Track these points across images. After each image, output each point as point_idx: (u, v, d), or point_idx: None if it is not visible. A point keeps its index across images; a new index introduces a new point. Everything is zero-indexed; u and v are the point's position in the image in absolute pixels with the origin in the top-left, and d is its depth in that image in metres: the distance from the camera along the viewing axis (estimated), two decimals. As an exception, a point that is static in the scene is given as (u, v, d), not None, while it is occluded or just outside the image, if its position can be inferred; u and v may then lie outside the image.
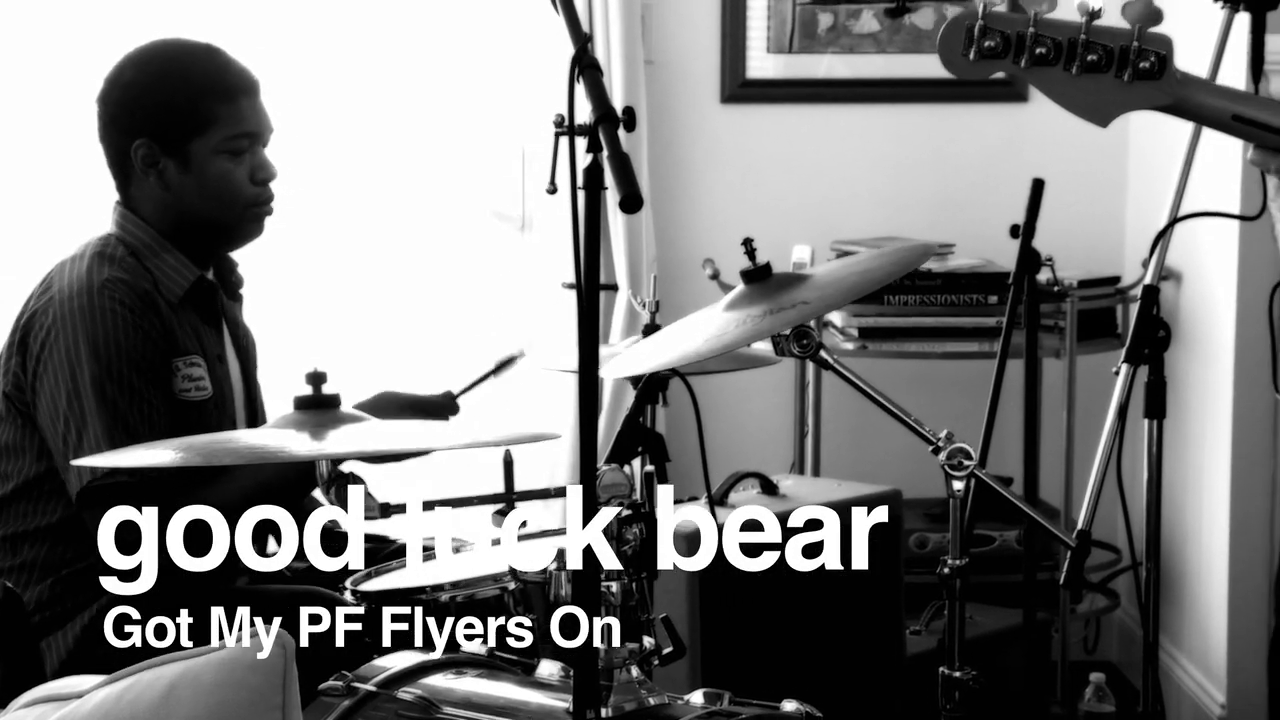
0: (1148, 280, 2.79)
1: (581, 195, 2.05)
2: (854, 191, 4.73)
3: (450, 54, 4.56)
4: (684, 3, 4.65)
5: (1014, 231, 3.37)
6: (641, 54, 4.50)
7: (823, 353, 2.81)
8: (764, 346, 2.90)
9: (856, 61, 4.69)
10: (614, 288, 4.47)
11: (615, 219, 4.45)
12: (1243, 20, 2.74)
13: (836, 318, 4.45)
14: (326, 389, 2.38)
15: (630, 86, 4.46)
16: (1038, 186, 3.36)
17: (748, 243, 2.77)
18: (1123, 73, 1.87)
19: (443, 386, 3.05)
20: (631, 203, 1.96)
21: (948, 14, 1.86)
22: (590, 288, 2.06)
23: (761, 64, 4.68)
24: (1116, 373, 2.82)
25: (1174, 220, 2.75)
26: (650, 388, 2.79)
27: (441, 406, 2.98)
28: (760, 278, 2.75)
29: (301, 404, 2.38)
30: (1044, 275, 3.73)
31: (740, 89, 4.69)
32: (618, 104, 4.39)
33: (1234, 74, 2.82)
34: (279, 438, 2.30)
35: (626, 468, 2.56)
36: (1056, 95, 1.90)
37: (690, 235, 4.69)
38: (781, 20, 4.67)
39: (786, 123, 4.73)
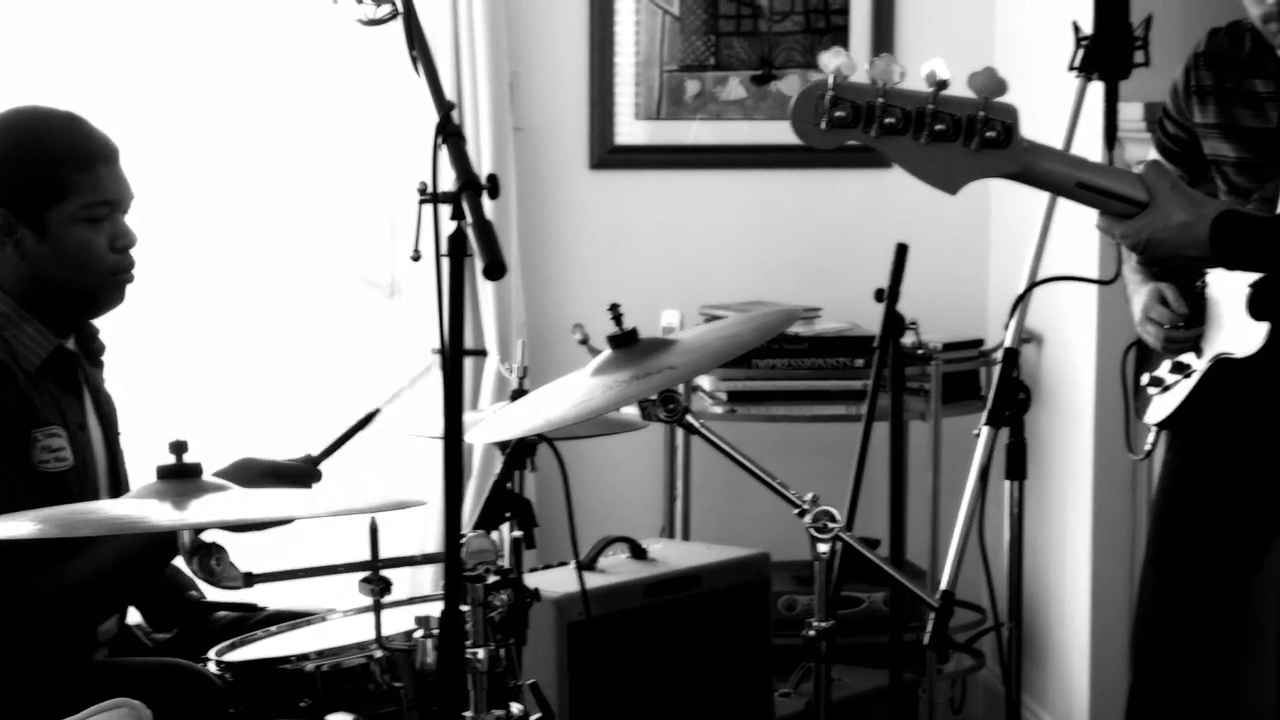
0: (1007, 343, 2.84)
1: (445, 262, 2.06)
2: (722, 256, 4.78)
3: (321, 120, 4.56)
4: (552, 70, 4.69)
5: (879, 295, 3.41)
6: (510, 121, 4.52)
7: (689, 417, 2.84)
8: (632, 411, 2.93)
9: (723, 128, 4.74)
10: (483, 353, 4.48)
11: (485, 284, 4.46)
12: (1096, 88, 2.82)
13: (705, 381, 4.48)
14: (188, 458, 2.37)
15: (499, 153, 4.48)
16: (901, 251, 3.41)
17: (614, 308, 2.80)
18: (970, 141, 1.92)
19: (306, 452, 3.04)
20: (494, 270, 1.98)
21: (820, 59, 1.90)
22: (454, 354, 2.07)
23: (630, 130, 4.73)
24: (978, 435, 2.86)
25: (1032, 285, 2.81)
26: (518, 453, 2.80)
27: (303, 473, 2.97)
28: (627, 343, 2.78)
29: (164, 473, 2.37)
30: (909, 339, 3.79)
31: (609, 155, 4.73)
32: (486, 170, 4.44)
33: (1089, 141, 2.89)
34: (140, 508, 2.28)
35: (494, 533, 2.57)
36: (906, 163, 1.94)
37: (560, 300, 4.71)
38: (649, 87, 4.72)
39: (655, 188, 4.78)
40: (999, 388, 2.79)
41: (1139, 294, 3.31)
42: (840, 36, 4.72)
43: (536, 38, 4.66)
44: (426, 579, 4.27)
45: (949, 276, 4.77)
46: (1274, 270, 1.94)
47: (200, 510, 2.28)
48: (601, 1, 4.67)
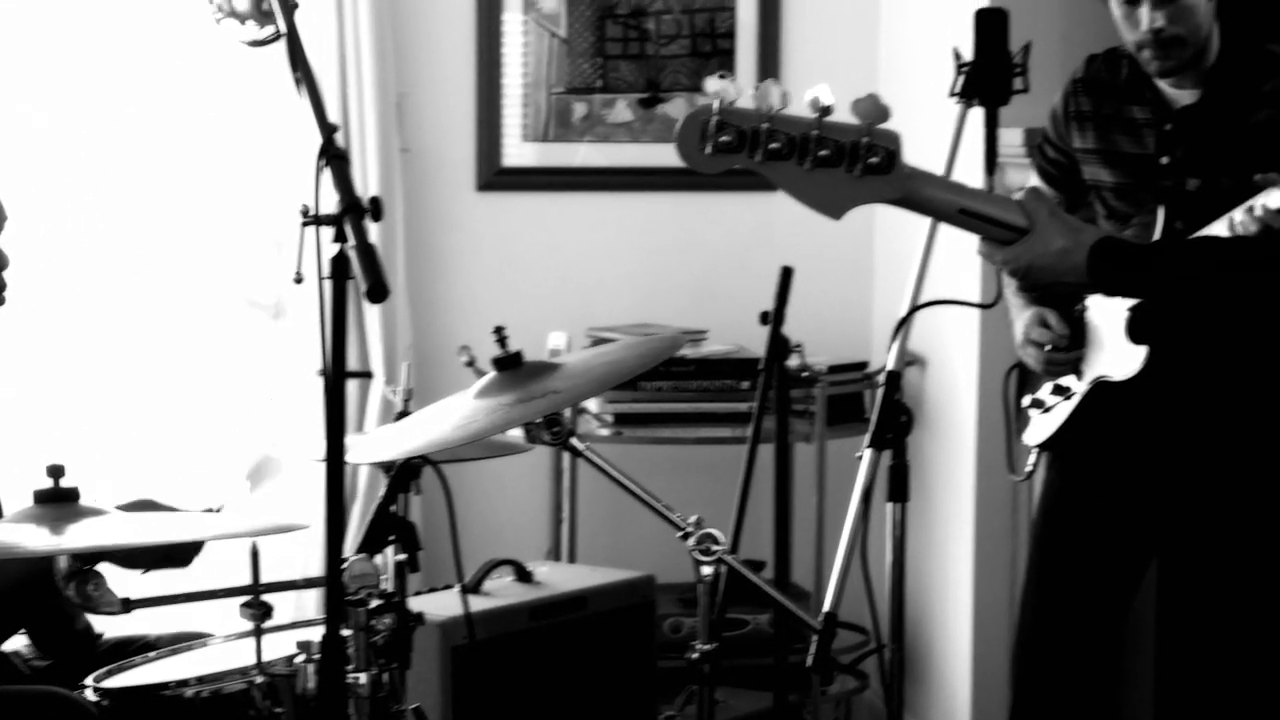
0: (889, 366, 2.85)
1: (327, 285, 2.05)
2: (610, 278, 4.78)
3: (208, 141, 4.52)
4: (439, 91, 4.68)
5: (764, 318, 3.43)
6: (397, 142, 4.51)
7: (574, 440, 2.84)
8: (518, 433, 2.92)
9: (611, 150, 4.75)
10: (369, 375, 4.46)
11: (371, 306, 4.43)
12: (977, 114, 2.84)
13: (592, 404, 4.48)
14: (65, 482, 2.34)
15: (386, 174, 4.46)
16: (786, 274, 3.43)
17: (499, 331, 2.79)
18: (853, 167, 1.93)
19: (198, 481, 3.01)
20: (377, 293, 1.96)
21: (706, 85, 1.90)
22: (336, 377, 2.06)
23: (517, 152, 4.72)
24: (860, 458, 2.87)
25: (913, 309, 2.82)
26: (403, 475, 2.79)
27: (184, 550, 2.92)
28: (511, 365, 2.77)
29: (41, 498, 2.33)
30: (794, 361, 3.80)
31: (496, 177, 4.72)
32: (372, 192, 4.42)
33: (970, 165, 2.92)
34: (16, 532, 2.25)
35: (377, 557, 2.56)
36: (790, 189, 1.95)
37: (447, 322, 4.69)
38: (537, 109, 4.71)
39: (543, 210, 4.77)
40: (881, 410, 2.81)
41: (1021, 317, 3.35)
42: (726, 60, 4.75)
43: (424, 59, 4.65)
44: (310, 603, 4.23)
45: (834, 299, 4.80)
46: (1149, 296, 1.96)
47: (78, 535, 2.25)
48: (489, 23, 4.67)
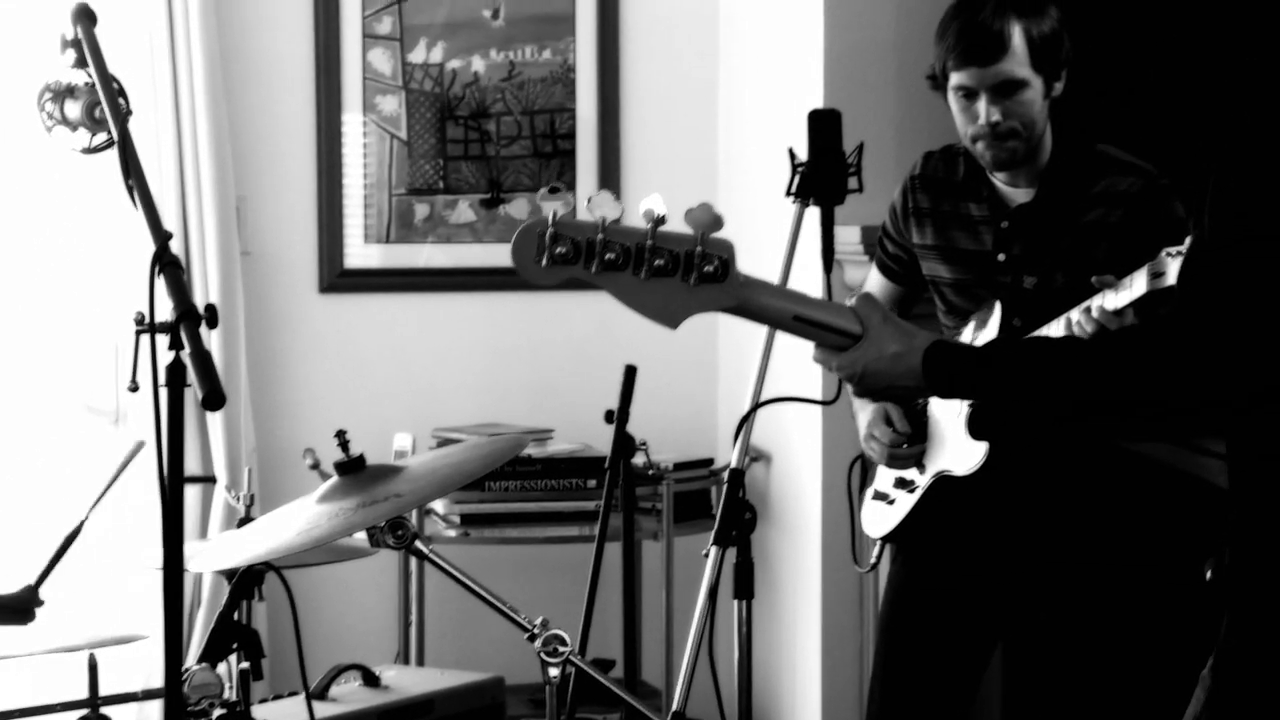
0: (732, 464, 2.87)
1: (163, 392, 2.04)
2: (455, 379, 4.77)
3: (44, 246, 4.47)
4: (280, 194, 4.66)
5: (609, 417, 3.44)
6: (238, 245, 4.49)
7: (418, 543, 2.83)
8: (362, 537, 2.90)
9: (454, 250, 4.76)
10: (211, 480, 4.41)
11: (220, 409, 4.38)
12: (814, 213, 2.88)
13: (439, 505, 4.46)
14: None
15: (226, 278, 4.44)
16: (630, 373, 3.45)
17: (341, 434, 2.78)
18: (688, 277, 1.95)
19: (24, 582, 2.95)
20: (212, 400, 1.96)
21: (541, 204, 1.92)
22: (174, 485, 2.04)
23: (360, 253, 4.72)
24: (706, 555, 2.89)
25: (755, 406, 2.85)
26: (245, 582, 2.76)
27: (23, 602, 2.88)
28: (354, 469, 2.76)
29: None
30: (640, 459, 3.81)
31: (339, 279, 4.71)
32: (214, 295, 4.39)
33: (809, 263, 2.96)
34: None
35: (220, 666, 2.53)
36: (627, 299, 1.97)
37: (292, 425, 4.66)
38: (379, 211, 4.72)
39: (387, 311, 4.77)
40: (725, 508, 2.83)
41: (863, 411, 3.39)
42: (568, 161, 4.79)
43: (263, 162, 4.64)
44: (153, 715, 4.16)
45: (679, 397, 4.83)
46: (984, 397, 2.00)
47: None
48: (329, 125, 4.67)
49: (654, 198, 1.95)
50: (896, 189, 3.41)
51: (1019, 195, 3.23)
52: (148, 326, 2.06)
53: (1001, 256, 3.23)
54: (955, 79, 3.16)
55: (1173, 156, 3.17)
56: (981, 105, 3.14)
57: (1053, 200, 3.19)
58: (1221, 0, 3.54)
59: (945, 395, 2.12)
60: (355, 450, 2.77)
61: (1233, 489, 1.85)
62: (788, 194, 2.88)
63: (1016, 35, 3.11)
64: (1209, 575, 1.91)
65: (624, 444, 3.45)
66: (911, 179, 3.37)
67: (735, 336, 4.78)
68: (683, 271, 1.95)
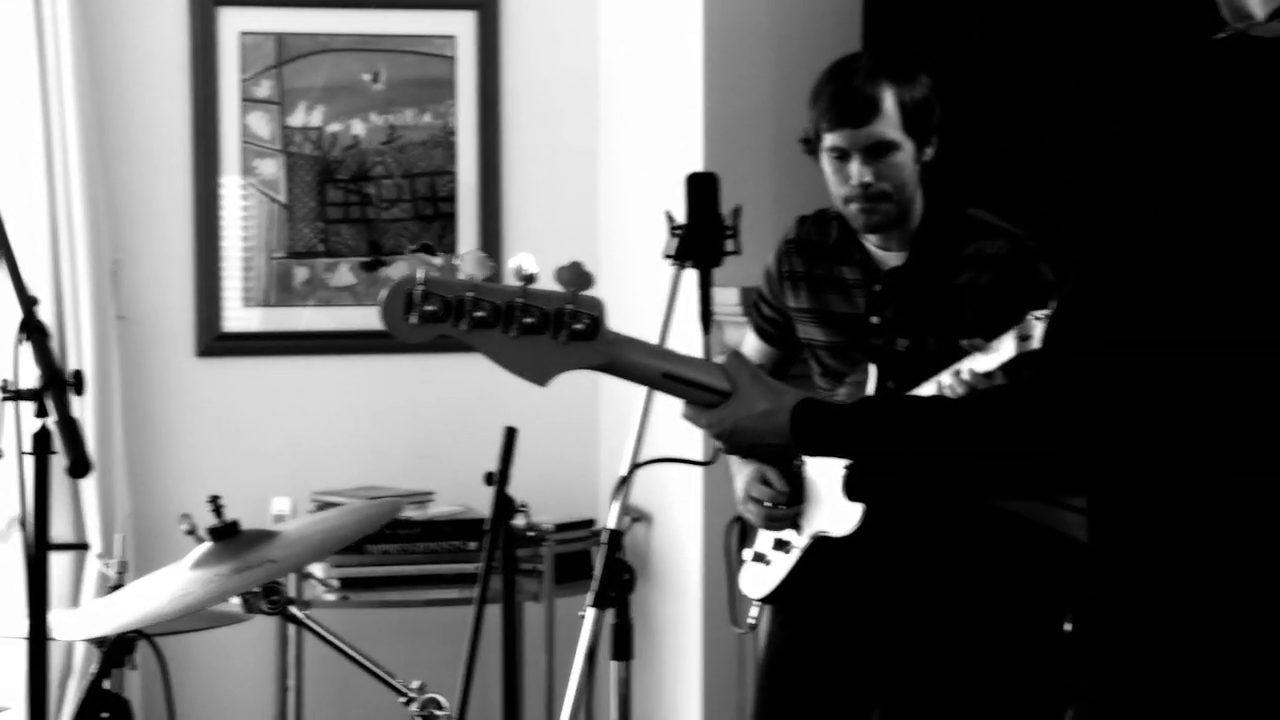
0: (610, 525, 2.86)
1: (29, 461, 2.01)
2: (335, 442, 4.74)
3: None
4: (156, 258, 4.62)
5: (489, 479, 3.43)
6: (112, 309, 4.44)
7: (293, 609, 2.80)
8: (237, 602, 2.87)
9: (335, 314, 4.74)
10: (84, 547, 4.34)
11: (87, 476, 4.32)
12: (692, 275, 2.88)
13: (318, 569, 4.42)
14: None
15: (101, 342, 4.38)
16: (510, 434, 3.44)
17: (215, 500, 2.76)
18: (558, 334, 1.96)
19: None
20: (78, 468, 1.93)
21: (410, 262, 1.91)
22: (39, 552, 2.01)
23: (239, 317, 4.68)
24: (583, 616, 2.88)
25: (634, 466, 2.85)
26: (116, 650, 2.72)
27: None
28: (228, 535, 2.74)
29: None
30: (521, 520, 3.80)
31: (216, 342, 4.67)
32: (88, 360, 4.34)
33: (687, 325, 2.97)
34: None
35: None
36: (497, 356, 1.97)
37: (168, 490, 4.60)
38: (257, 274, 4.69)
39: (266, 374, 4.73)
40: (603, 569, 2.82)
41: (741, 473, 3.40)
42: (448, 224, 4.78)
43: (140, 224, 4.60)
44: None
45: (560, 458, 4.82)
46: (849, 456, 2.01)
47: None
48: (206, 188, 4.64)
49: (524, 256, 1.95)
50: (771, 253, 3.43)
51: (891, 259, 3.27)
52: (12, 393, 2.04)
53: (875, 319, 3.26)
54: (829, 140, 3.20)
55: (1043, 220, 3.22)
56: (854, 166, 3.18)
57: (924, 263, 3.23)
58: (1097, 68, 3.61)
59: (812, 453, 2.13)
60: (232, 515, 2.75)
61: (1092, 542, 1.87)
62: (665, 256, 2.89)
63: (888, 99, 3.16)
64: (1068, 628, 1.93)
65: (504, 506, 3.44)
66: (785, 243, 3.40)
67: (616, 397, 4.79)
68: (553, 329, 1.96)
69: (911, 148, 3.19)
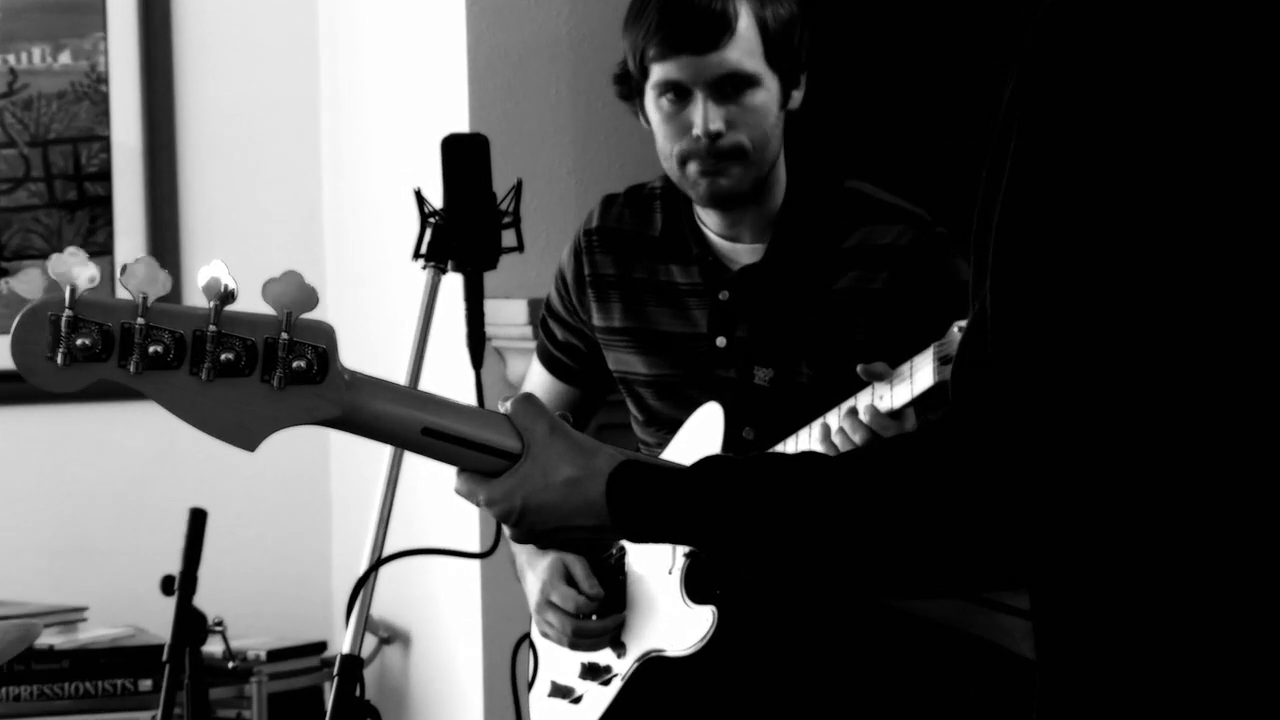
0: (345, 648, 2.88)
1: None
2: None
3: None
4: None
5: (167, 585, 3.43)
6: None
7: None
8: None
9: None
10: None
11: None
12: (456, 281, 2.88)
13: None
14: None
15: None
16: (198, 520, 3.43)
17: None
18: (270, 376, 1.95)
19: None
20: None
21: (54, 275, 1.89)
22: None
23: None
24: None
25: (376, 564, 2.86)
26: None
27: None
28: None
29: None
30: (215, 646, 3.80)
31: None
32: None
33: (452, 354, 2.98)
34: None
35: None
36: (182, 410, 1.96)
37: None
38: None
39: None
40: (335, 709, 2.83)
41: (535, 569, 3.39)
42: (101, 214, 4.76)
43: None
44: None
45: (274, 554, 4.81)
46: (694, 541, 1.99)
47: None
48: None
49: (215, 264, 1.95)
50: (565, 250, 3.45)
51: (743, 253, 3.30)
52: None
53: (722, 341, 3.29)
54: (659, 73, 3.21)
55: (949, 196, 3.27)
56: (697, 110, 3.20)
57: (790, 259, 3.26)
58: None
59: (638, 538, 2.14)
60: None
61: (1040, 658, 1.90)
62: (416, 256, 2.89)
63: (745, 16, 3.19)
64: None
65: (191, 625, 3.44)
66: (586, 235, 3.42)
67: (355, 464, 4.78)
68: (262, 369, 1.96)
69: (776, 87, 3.22)
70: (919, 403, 2.99)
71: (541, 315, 3.53)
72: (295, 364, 1.97)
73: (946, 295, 3.11)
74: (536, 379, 3.53)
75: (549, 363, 3.51)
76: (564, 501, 2.06)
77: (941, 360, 2.93)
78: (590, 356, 3.45)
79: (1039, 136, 1.77)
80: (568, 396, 3.49)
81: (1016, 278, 1.79)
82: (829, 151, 3.36)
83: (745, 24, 3.20)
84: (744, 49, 3.20)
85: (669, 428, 3.33)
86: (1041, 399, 1.77)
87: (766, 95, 3.23)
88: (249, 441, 2.00)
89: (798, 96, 3.27)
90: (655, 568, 3.28)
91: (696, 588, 3.21)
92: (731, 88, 3.21)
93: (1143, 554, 1.80)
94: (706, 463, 1.99)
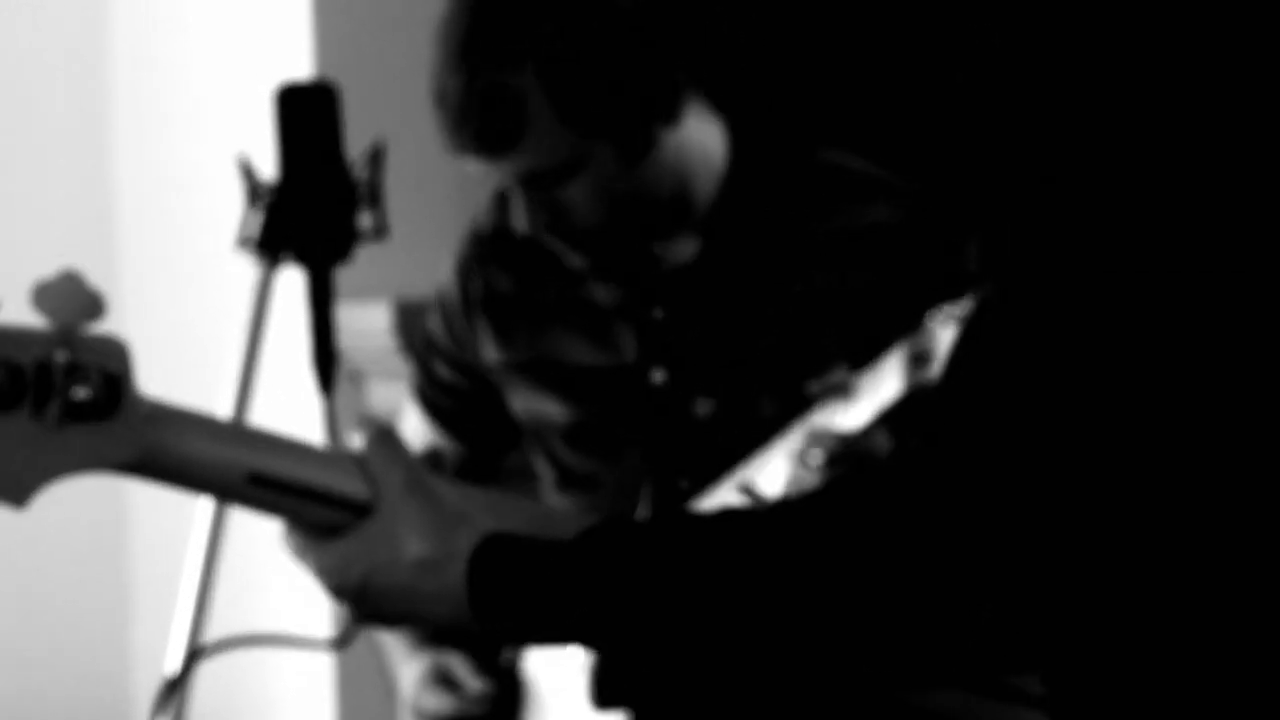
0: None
1: None
2: None
3: None
4: None
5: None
6: None
7: None
8: None
9: None
10: None
11: None
12: (297, 278, 2.89)
13: None
14: None
15: None
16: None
17: None
18: (43, 411, 1.98)
19: None
20: None
21: None
22: None
23: None
24: None
25: (193, 657, 2.91)
26: None
27: None
28: None
29: None
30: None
31: None
32: None
33: (290, 374, 3.00)
34: None
35: None
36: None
37: None
38: None
39: None
40: None
41: (408, 665, 3.43)
42: None
43: None
44: None
45: (54, 645, 4.84)
46: (584, 640, 1.98)
47: None
48: None
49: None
50: (450, 264, 3.49)
51: (675, 252, 3.34)
52: None
53: (658, 376, 3.33)
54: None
55: (951, 163, 3.32)
56: (518, 208, 3.21)
57: (738, 253, 3.30)
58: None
59: (513, 639, 2.14)
60: None
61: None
62: (243, 242, 2.90)
63: (535, 97, 3.14)
64: None
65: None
66: (477, 241, 3.45)
67: (160, 522, 4.81)
68: (33, 401, 1.98)
69: (611, 154, 3.18)
70: (892, 420, 3.02)
71: (420, 348, 3.56)
72: (76, 393, 1.98)
73: (938, 288, 3.12)
74: (415, 430, 3.54)
75: (432, 410, 3.53)
76: (414, 586, 2.04)
77: (915, 360, 2.96)
78: (481, 400, 3.48)
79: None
80: (453, 456, 3.52)
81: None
82: (798, 114, 3.38)
83: (538, 109, 3.14)
84: (544, 142, 3.16)
85: (589, 487, 3.37)
86: (1064, 413, 1.79)
87: (599, 170, 3.18)
88: (18, 494, 2.01)
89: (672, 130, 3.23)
90: (555, 667, 3.32)
91: (605, 690, 3.25)
92: (545, 183, 3.19)
93: (1199, 643, 1.84)
94: (595, 533, 1.96)
